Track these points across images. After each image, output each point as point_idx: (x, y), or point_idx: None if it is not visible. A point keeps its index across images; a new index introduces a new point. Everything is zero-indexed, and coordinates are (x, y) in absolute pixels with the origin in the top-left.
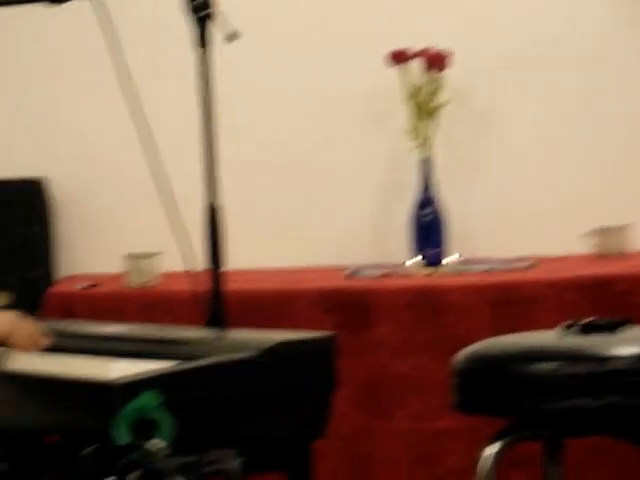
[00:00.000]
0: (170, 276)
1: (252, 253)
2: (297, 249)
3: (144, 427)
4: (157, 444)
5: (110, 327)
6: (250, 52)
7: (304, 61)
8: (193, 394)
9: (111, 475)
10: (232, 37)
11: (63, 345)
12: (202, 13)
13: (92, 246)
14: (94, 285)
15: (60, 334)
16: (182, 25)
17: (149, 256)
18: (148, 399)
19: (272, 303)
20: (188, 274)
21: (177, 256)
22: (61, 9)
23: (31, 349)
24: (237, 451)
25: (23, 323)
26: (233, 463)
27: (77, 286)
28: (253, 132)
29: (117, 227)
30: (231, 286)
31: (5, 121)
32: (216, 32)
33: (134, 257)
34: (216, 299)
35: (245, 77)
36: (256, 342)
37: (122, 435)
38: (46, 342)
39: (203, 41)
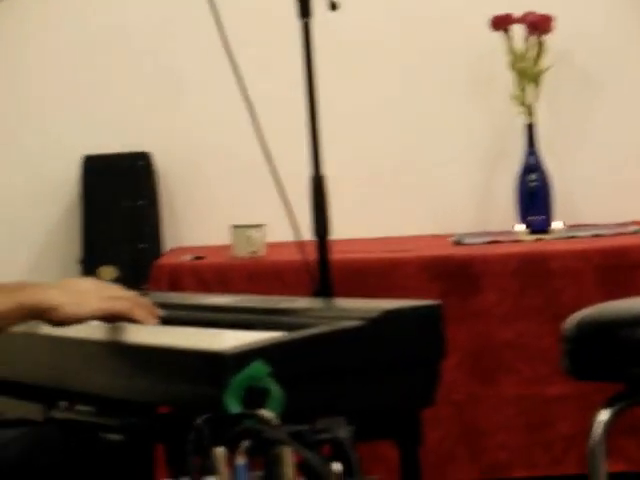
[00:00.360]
0: (276, 246)
1: (357, 222)
2: (403, 217)
3: (254, 397)
4: (267, 413)
5: (218, 298)
6: (352, 19)
7: (406, 27)
8: (302, 363)
9: (222, 444)
10: (334, 6)
11: (172, 317)
12: None
13: (198, 218)
14: (200, 257)
15: (169, 306)
16: None
17: (255, 227)
18: (257, 368)
19: (378, 272)
20: (294, 244)
21: (282, 227)
22: None
23: (150, 322)
24: (347, 419)
25: (141, 298)
26: (344, 431)
27: (184, 258)
28: (355, 100)
29: (222, 199)
30: (337, 255)
31: (112, 96)
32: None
33: (240, 228)
34: (323, 268)
35: (347, 46)
36: (364, 311)
37: (233, 405)
38: (160, 314)
39: (305, 11)
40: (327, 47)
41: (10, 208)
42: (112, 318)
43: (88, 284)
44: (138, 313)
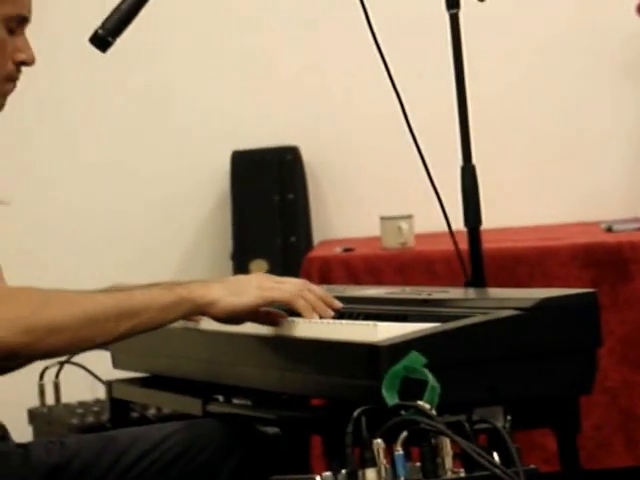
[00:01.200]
0: (424, 237)
1: (506, 211)
2: (551, 205)
3: (411, 388)
4: (424, 405)
5: (370, 290)
6: (496, 7)
7: (552, 13)
8: (458, 354)
9: (380, 436)
10: None
11: None
12: None
13: (347, 210)
14: (350, 249)
15: None
16: None
17: (404, 218)
18: (414, 360)
19: (529, 260)
20: (443, 235)
21: (429, 217)
22: None
23: (310, 315)
24: (504, 409)
25: (313, 286)
26: (501, 421)
27: (333, 250)
28: (503, 87)
29: (371, 190)
30: (487, 245)
31: (259, 91)
32: None
33: (388, 219)
34: (475, 258)
35: (492, 32)
36: (519, 300)
37: (390, 396)
38: (339, 306)
39: (454, 2)
40: (472, 35)
41: (161, 204)
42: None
43: (252, 277)
44: (300, 304)
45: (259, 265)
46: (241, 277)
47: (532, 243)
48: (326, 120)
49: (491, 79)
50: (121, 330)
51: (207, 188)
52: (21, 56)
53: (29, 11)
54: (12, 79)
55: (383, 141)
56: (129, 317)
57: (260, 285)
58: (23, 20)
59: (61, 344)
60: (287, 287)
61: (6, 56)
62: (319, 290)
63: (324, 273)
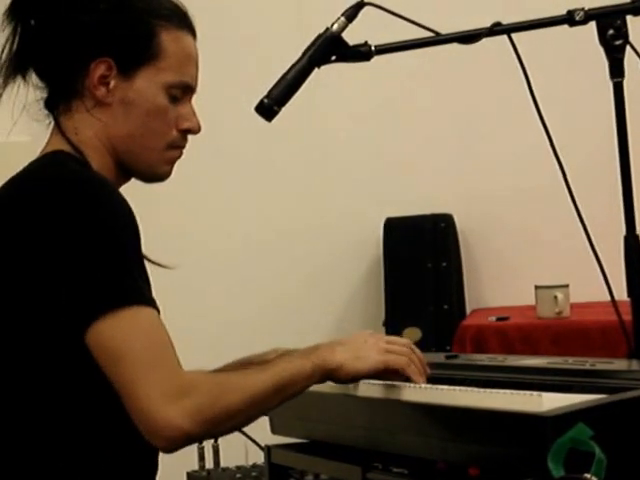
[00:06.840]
0: (579, 307)
1: None
2: None
3: (577, 460)
4: (591, 478)
5: (531, 359)
6: None
7: None
8: (625, 427)
9: None
10: None
11: (483, 378)
12: (616, 42)
13: (501, 279)
14: (504, 317)
15: (479, 367)
16: (595, 54)
17: (560, 287)
18: (580, 431)
19: None
20: (599, 304)
21: (584, 286)
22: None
23: (420, 381)
24: None
25: (415, 349)
26: None
27: (488, 319)
28: None
29: (524, 259)
30: None
31: (412, 159)
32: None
33: (544, 288)
34: (639, 329)
35: None
36: None
37: (556, 468)
38: (428, 372)
39: (618, 71)
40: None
41: (315, 270)
42: (387, 373)
43: (367, 338)
44: (411, 370)
45: (412, 333)
46: (358, 338)
47: None
48: (480, 187)
49: None
50: (275, 403)
51: (360, 254)
52: (186, 124)
53: (194, 79)
54: (176, 146)
55: (538, 209)
56: (282, 391)
57: (378, 348)
58: (187, 89)
59: (234, 427)
60: (399, 351)
61: (169, 123)
62: (419, 352)
63: (478, 341)
